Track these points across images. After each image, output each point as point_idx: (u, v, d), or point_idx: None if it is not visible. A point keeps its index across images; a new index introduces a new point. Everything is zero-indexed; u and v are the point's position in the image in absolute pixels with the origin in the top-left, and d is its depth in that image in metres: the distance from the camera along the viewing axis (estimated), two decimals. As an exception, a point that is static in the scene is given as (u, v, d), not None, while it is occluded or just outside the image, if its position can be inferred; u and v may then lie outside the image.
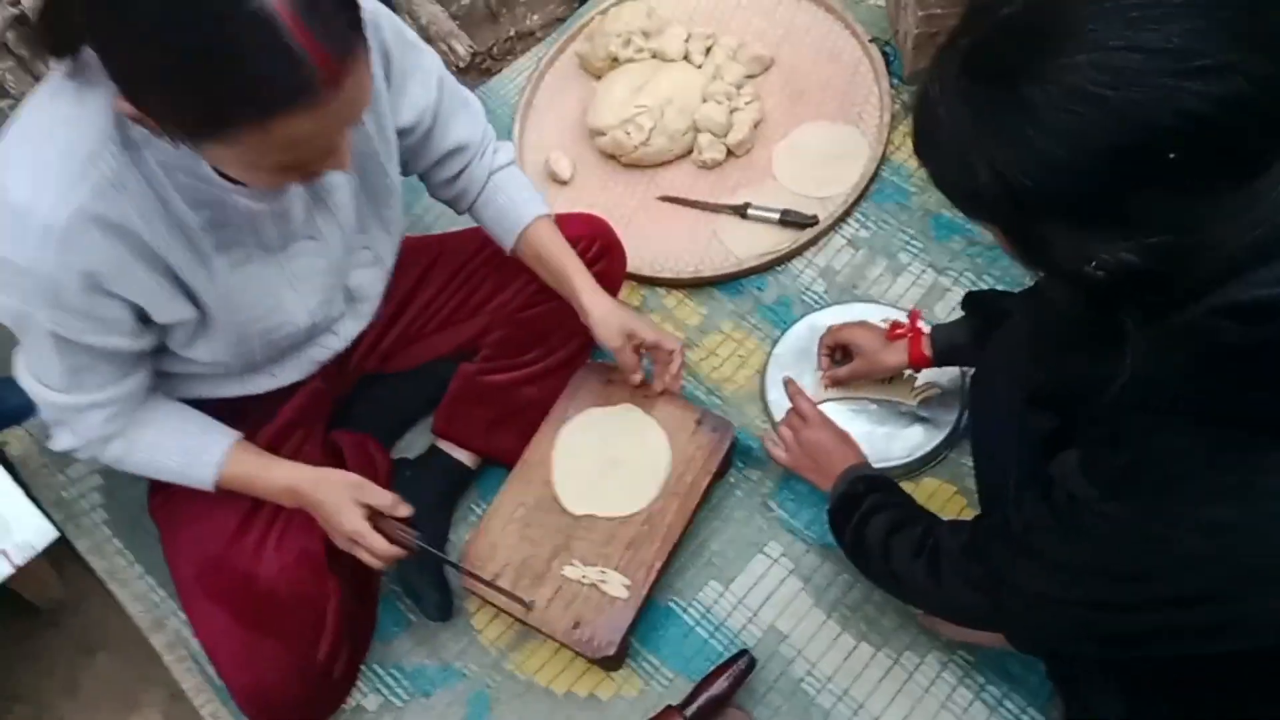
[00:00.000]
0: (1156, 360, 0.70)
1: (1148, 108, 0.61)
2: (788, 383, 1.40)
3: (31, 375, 1.04)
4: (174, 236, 0.96)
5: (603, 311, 1.29)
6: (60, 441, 1.09)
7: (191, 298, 1.02)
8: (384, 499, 1.16)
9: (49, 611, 1.45)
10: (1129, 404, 0.73)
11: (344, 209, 1.12)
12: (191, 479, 1.14)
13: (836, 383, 1.43)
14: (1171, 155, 0.62)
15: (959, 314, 1.51)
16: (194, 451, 1.14)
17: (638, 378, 1.36)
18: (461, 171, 1.27)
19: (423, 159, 1.24)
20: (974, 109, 0.68)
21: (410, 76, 1.14)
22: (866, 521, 1.10)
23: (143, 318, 1.01)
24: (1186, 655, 0.84)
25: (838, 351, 1.44)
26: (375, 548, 1.14)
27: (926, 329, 1.33)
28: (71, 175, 0.88)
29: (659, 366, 1.37)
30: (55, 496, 1.50)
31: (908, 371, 1.40)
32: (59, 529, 1.45)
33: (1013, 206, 0.68)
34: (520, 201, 1.30)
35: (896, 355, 1.34)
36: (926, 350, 1.31)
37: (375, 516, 1.16)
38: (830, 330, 1.42)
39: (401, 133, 1.16)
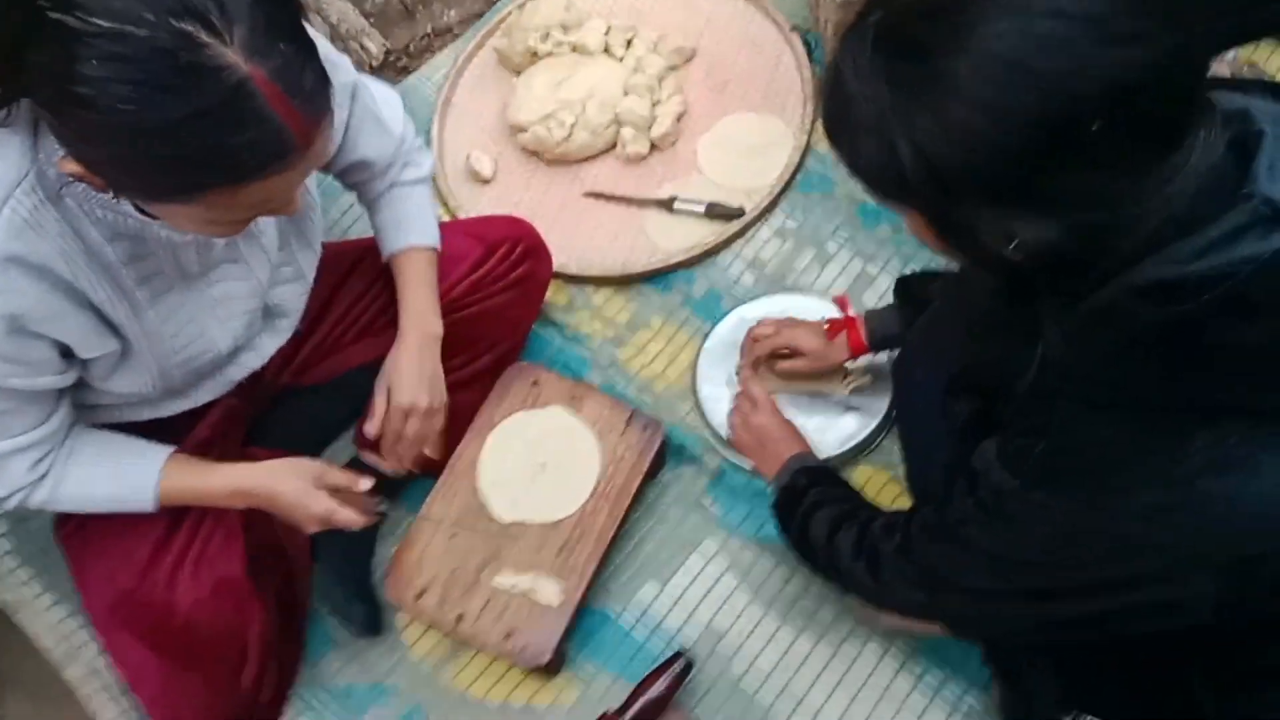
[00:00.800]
0: (1075, 346, 0.69)
1: (1072, 76, 0.60)
2: (741, 367, 1.38)
3: None
4: (94, 273, 0.93)
5: (393, 355, 1.22)
6: None
7: (115, 331, 0.99)
8: (347, 479, 1.13)
9: (-46, 651, 1.38)
10: (1048, 391, 0.72)
11: (267, 231, 1.09)
12: (130, 505, 1.09)
13: (783, 376, 1.39)
14: (1095, 126, 0.60)
15: (887, 301, 1.52)
16: (127, 478, 1.09)
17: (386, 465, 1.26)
18: (365, 182, 1.25)
19: (330, 167, 1.22)
20: (891, 85, 0.65)
21: None
22: (809, 518, 1.09)
23: (66, 354, 0.97)
24: (1122, 635, 0.84)
25: (762, 358, 1.40)
26: (352, 522, 1.13)
27: (857, 314, 1.32)
28: None
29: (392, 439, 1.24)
30: (-48, 529, 1.42)
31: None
32: (-41, 563, 1.39)
33: (934, 186, 0.66)
34: (404, 226, 1.25)
35: (839, 351, 1.32)
36: (864, 337, 1.29)
37: (335, 493, 1.12)
38: (762, 337, 1.37)
39: None
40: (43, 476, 1.04)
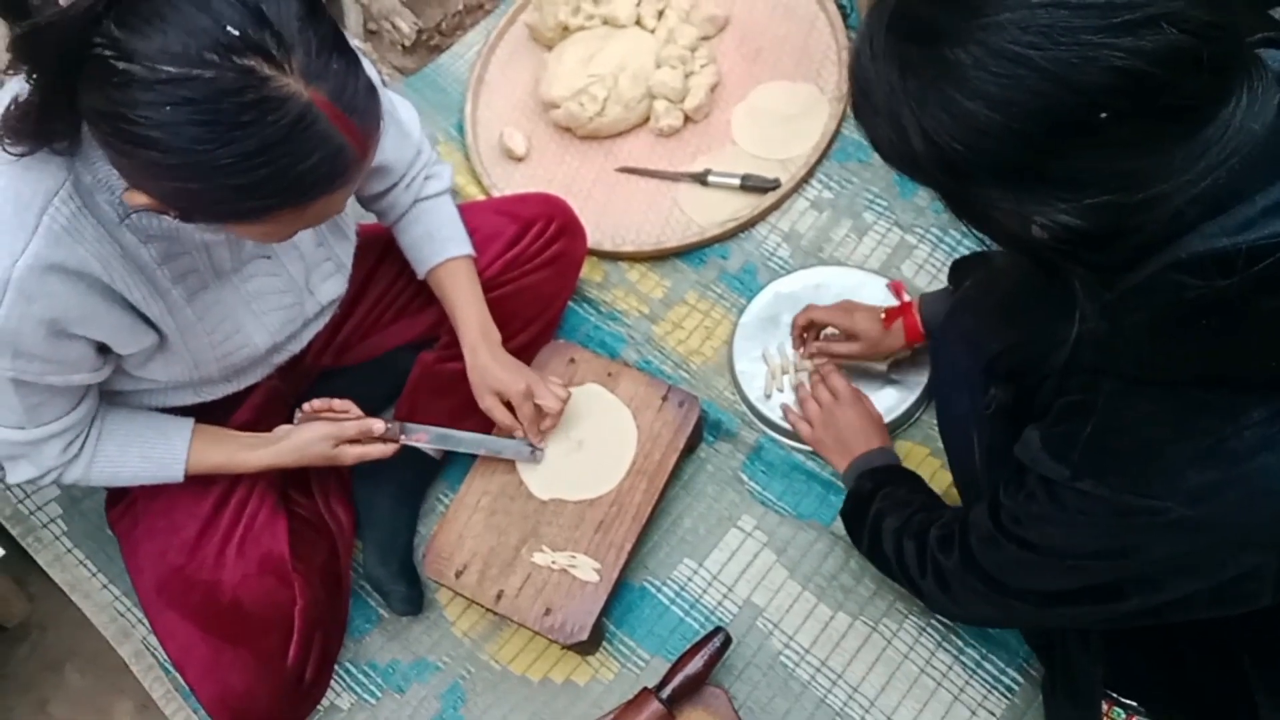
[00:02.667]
0: (1115, 322, 0.66)
1: (1077, 67, 0.58)
2: (817, 358, 1.37)
3: None
4: (131, 273, 0.95)
5: (473, 371, 1.25)
6: (18, 474, 1.06)
7: (152, 327, 1.01)
8: (360, 429, 1.19)
9: (17, 628, 1.42)
10: (1089, 369, 0.70)
11: (303, 233, 1.09)
12: (160, 479, 1.14)
13: (825, 354, 1.38)
14: (1104, 114, 0.58)
15: (926, 272, 1.49)
16: (156, 457, 1.12)
17: (520, 434, 1.29)
18: (387, 191, 1.25)
19: None
20: (901, 71, 0.64)
21: None
22: (879, 531, 1.07)
23: (102, 350, 1.00)
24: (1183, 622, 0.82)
25: (809, 331, 1.39)
26: (383, 452, 1.22)
27: (911, 299, 1.29)
28: (25, 227, 0.86)
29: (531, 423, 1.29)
30: (12, 510, 1.46)
31: None
32: (19, 543, 1.43)
33: (947, 171, 0.65)
34: (439, 238, 1.27)
35: (895, 338, 1.30)
36: (919, 323, 1.26)
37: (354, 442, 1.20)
38: (813, 312, 1.36)
39: None
40: (75, 457, 1.07)
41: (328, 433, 1.18)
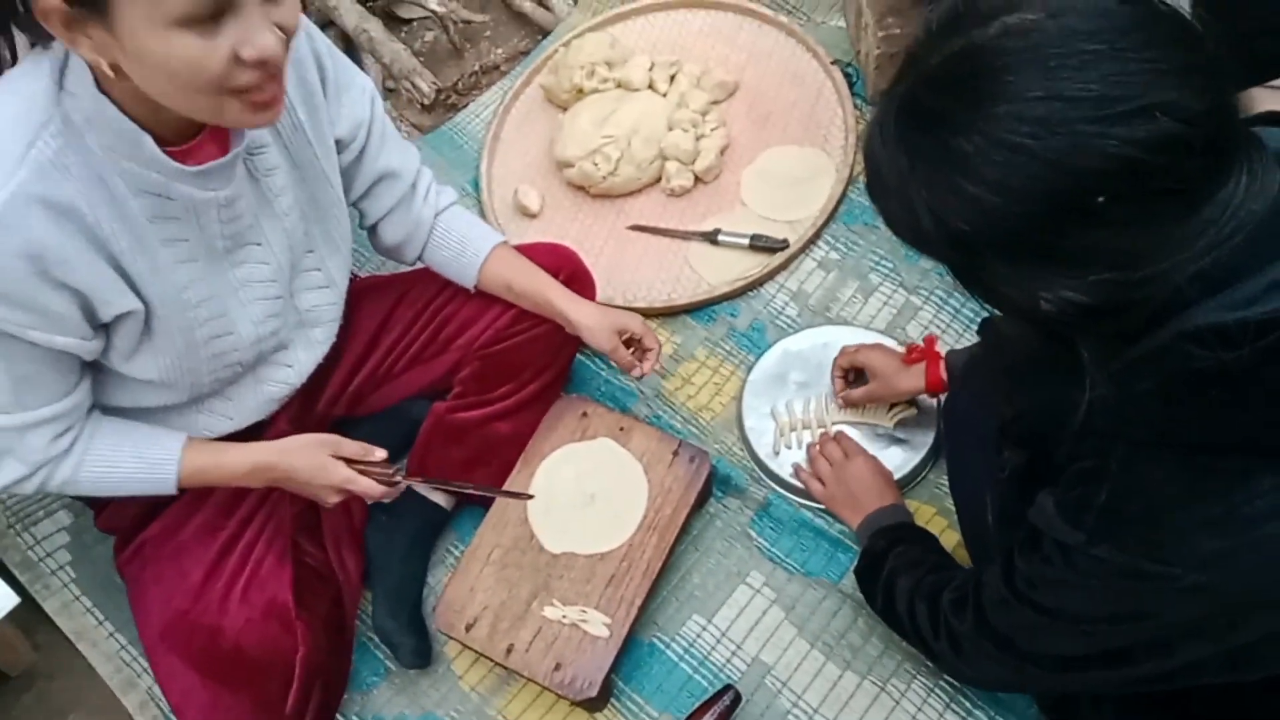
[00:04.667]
0: (1124, 389, 0.69)
1: (1072, 155, 0.61)
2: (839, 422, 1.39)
3: None
4: (118, 222, 0.94)
5: (590, 318, 1.32)
6: (4, 474, 1.03)
7: (136, 291, 0.99)
8: (357, 449, 1.16)
9: (22, 676, 1.41)
10: (1101, 435, 0.72)
11: (290, 215, 1.11)
12: (152, 483, 1.11)
13: (850, 404, 1.41)
14: (1100, 198, 0.62)
15: (931, 333, 1.52)
16: (149, 455, 1.10)
17: (638, 372, 1.37)
18: (400, 205, 1.27)
19: (356, 181, 1.23)
20: (910, 157, 0.68)
21: (346, 89, 1.15)
22: (892, 591, 1.08)
23: (89, 314, 0.97)
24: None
25: (851, 373, 1.42)
26: (370, 490, 1.16)
27: (941, 352, 1.31)
28: (10, 157, 0.86)
29: (641, 359, 1.38)
30: (21, 557, 1.47)
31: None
32: (27, 590, 1.43)
33: (955, 249, 0.69)
34: (475, 236, 1.30)
35: (912, 380, 1.32)
36: (944, 375, 1.28)
37: (351, 464, 1.16)
38: (845, 352, 1.40)
39: (338, 145, 1.17)
40: (65, 452, 1.05)
41: (326, 439, 1.15)
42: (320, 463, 1.14)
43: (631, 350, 1.37)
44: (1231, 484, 0.68)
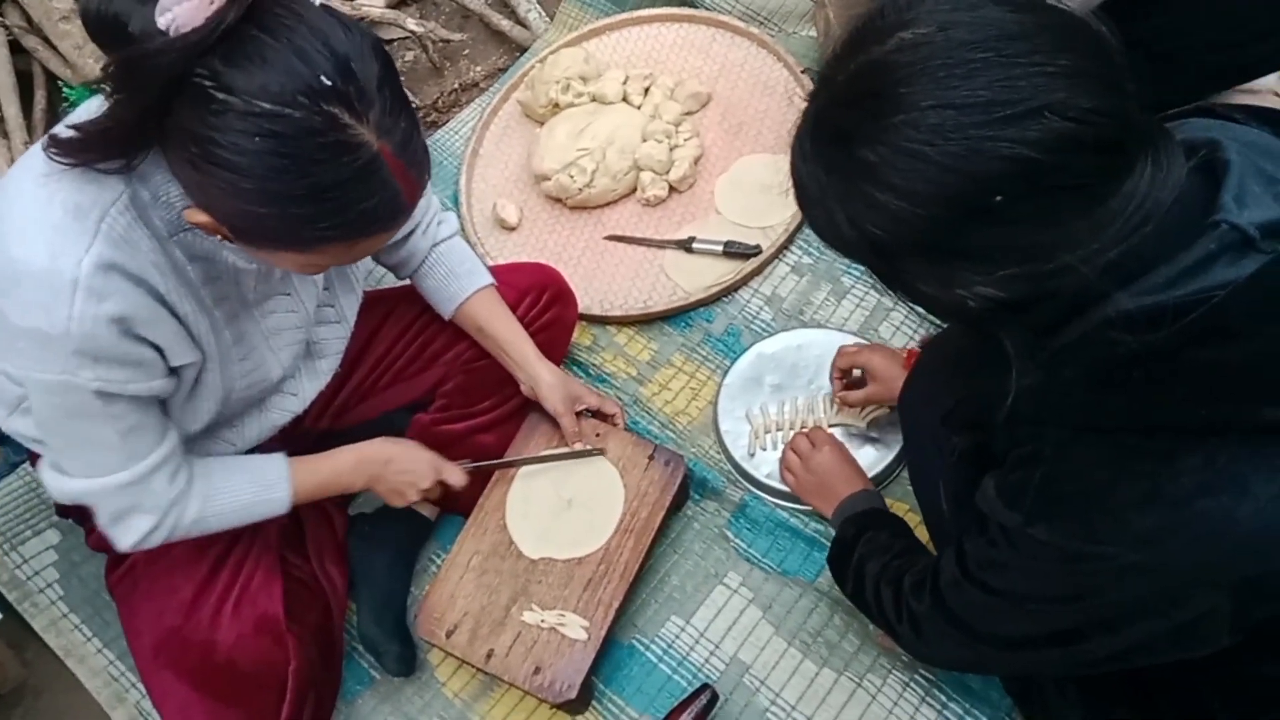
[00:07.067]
0: (1050, 376, 0.71)
1: (967, 158, 0.64)
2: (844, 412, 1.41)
3: (82, 479, 1.03)
4: (181, 287, 1.00)
5: (550, 381, 1.36)
6: (132, 531, 1.07)
7: (198, 345, 1.05)
8: (459, 479, 1.30)
9: (11, 693, 1.43)
10: (1029, 420, 0.74)
11: None
12: (269, 504, 1.17)
13: (849, 405, 1.42)
14: (999, 198, 0.64)
15: (903, 333, 1.54)
16: (262, 480, 1.17)
17: (579, 445, 1.40)
18: (405, 239, 1.30)
19: None
20: (826, 170, 0.72)
21: None
22: (861, 576, 1.10)
23: (165, 361, 1.03)
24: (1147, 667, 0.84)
25: (848, 374, 1.43)
26: (457, 479, 1.30)
27: None
28: (85, 231, 0.90)
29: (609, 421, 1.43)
30: (9, 576, 1.49)
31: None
32: (14, 608, 1.45)
33: (874, 253, 0.72)
34: (462, 274, 1.34)
35: None
36: None
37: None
38: (844, 353, 1.41)
39: None
40: (184, 492, 1.09)
41: (439, 460, 1.28)
42: (423, 470, 1.27)
43: (593, 417, 1.43)
44: (1159, 464, 0.69)
